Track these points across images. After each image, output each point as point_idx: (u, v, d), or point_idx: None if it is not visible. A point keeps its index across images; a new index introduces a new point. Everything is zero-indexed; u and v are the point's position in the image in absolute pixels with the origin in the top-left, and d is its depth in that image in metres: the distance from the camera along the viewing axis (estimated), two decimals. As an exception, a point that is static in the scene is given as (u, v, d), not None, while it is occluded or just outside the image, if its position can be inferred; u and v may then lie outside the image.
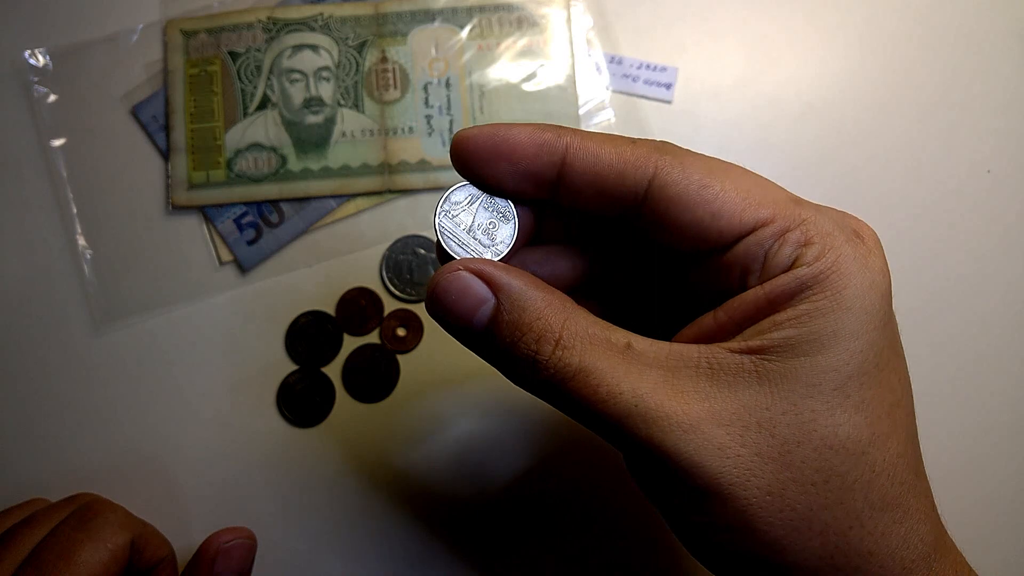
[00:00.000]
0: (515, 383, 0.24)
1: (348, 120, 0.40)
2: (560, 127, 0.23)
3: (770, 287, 0.21)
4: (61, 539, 0.31)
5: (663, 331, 0.24)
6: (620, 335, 0.22)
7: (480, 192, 0.24)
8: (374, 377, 0.39)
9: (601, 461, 0.39)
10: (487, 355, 0.23)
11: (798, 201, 0.23)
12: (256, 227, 0.40)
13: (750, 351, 0.21)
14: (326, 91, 0.40)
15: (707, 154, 0.23)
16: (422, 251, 0.40)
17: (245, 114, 0.40)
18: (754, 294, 0.22)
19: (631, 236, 0.25)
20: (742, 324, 0.22)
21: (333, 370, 0.39)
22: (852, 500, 0.21)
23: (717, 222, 0.22)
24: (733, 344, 0.21)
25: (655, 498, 0.23)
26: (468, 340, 0.23)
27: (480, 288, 0.22)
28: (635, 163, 0.22)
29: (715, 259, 0.23)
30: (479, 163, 0.23)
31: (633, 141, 0.23)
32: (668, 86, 0.41)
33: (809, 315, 0.21)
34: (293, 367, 0.39)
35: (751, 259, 0.22)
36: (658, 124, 0.41)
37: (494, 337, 0.23)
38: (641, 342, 0.22)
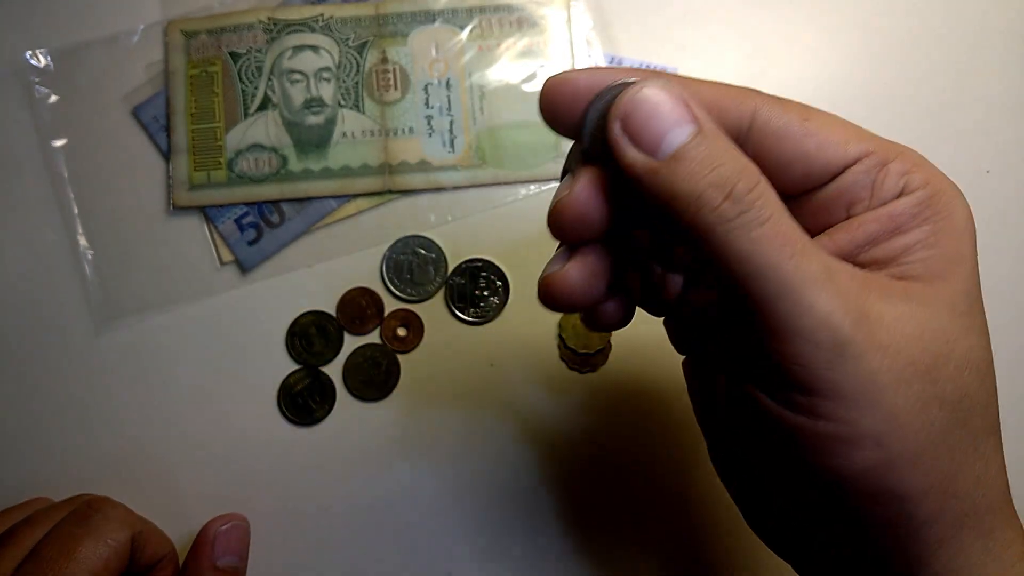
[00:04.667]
0: (670, 232, 0.23)
1: (349, 121, 0.40)
2: (650, 71, 0.23)
3: (892, 208, 0.21)
4: (62, 536, 0.31)
5: None
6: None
7: None
8: (374, 377, 0.39)
9: (608, 457, 0.39)
10: (651, 189, 0.20)
11: (882, 138, 0.23)
12: (257, 227, 0.40)
13: (891, 274, 0.21)
14: (327, 92, 0.40)
15: None
16: (422, 251, 0.40)
17: (246, 115, 0.40)
18: (875, 216, 0.22)
19: None
20: (863, 246, 0.22)
21: (333, 370, 0.39)
22: (974, 422, 0.21)
23: (824, 153, 0.22)
24: (869, 269, 0.21)
25: (763, 422, 0.21)
26: (633, 166, 0.20)
27: (683, 110, 0.20)
28: (737, 99, 0.22)
29: (815, 196, 0.23)
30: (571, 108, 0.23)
31: (722, 83, 0.23)
32: (668, 87, 0.41)
33: (936, 236, 0.21)
34: (294, 367, 0.39)
35: (859, 188, 0.22)
36: (658, 125, 0.41)
37: (676, 166, 0.20)
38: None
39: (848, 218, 0.22)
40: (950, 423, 0.20)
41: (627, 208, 0.22)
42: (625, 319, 0.26)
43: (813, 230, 0.22)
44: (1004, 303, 0.40)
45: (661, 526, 0.38)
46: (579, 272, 0.23)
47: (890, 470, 0.19)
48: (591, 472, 0.38)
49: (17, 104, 0.41)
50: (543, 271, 0.24)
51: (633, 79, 0.21)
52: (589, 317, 0.26)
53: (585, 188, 0.22)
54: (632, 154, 0.20)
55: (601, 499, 0.38)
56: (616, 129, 0.20)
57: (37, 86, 0.41)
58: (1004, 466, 0.21)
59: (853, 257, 0.22)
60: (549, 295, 0.24)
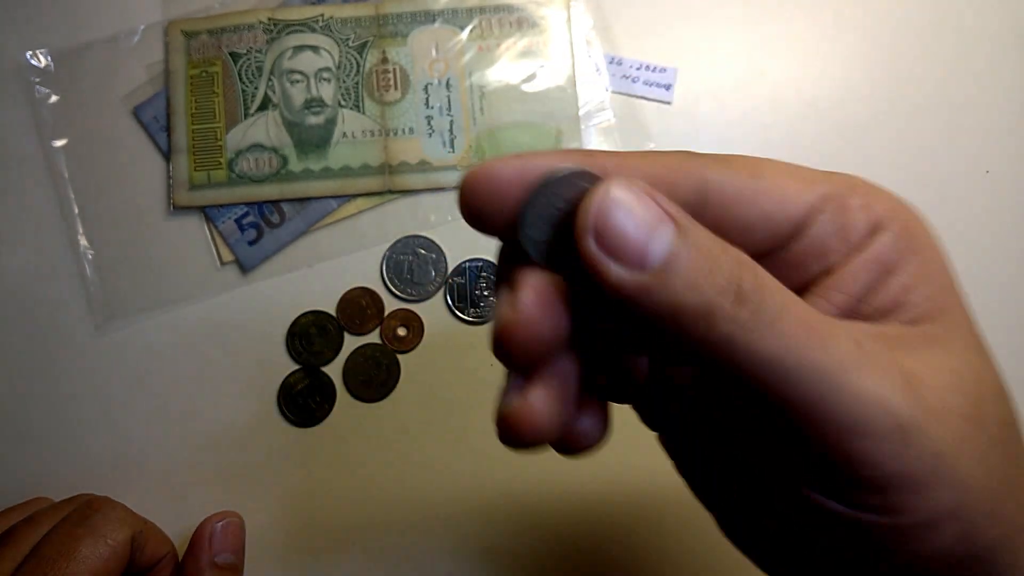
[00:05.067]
0: (661, 348, 0.21)
1: (349, 121, 0.40)
2: (591, 152, 0.20)
3: (876, 251, 0.20)
4: (62, 535, 0.31)
5: None
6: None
7: None
8: (374, 377, 0.39)
9: (609, 457, 0.39)
10: (646, 308, 0.17)
11: (828, 172, 0.21)
12: (257, 227, 0.40)
13: (902, 321, 0.19)
14: (327, 92, 0.40)
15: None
16: (422, 251, 0.40)
17: (246, 115, 0.40)
18: (862, 263, 0.20)
19: None
20: (862, 298, 0.20)
21: (333, 370, 0.39)
22: (1018, 448, 0.19)
23: (784, 209, 0.20)
24: (880, 322, 0.20)
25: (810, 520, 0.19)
26: (621, 287, 0.17)
27: (655, 208, 0.17)
28: (682, 170, 0.20)
29: (785, 253, 0.21)
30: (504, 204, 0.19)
31: (660, 153, 0.20)
32: (668, 87, 0.41)
33: (925, 267, 0.20)
34: (293, 367, 0.39)
35: (828, 236, 0.20)
36: (658, 125, 0.41)
37: (670, 276, 0.17)
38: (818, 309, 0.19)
39: (828, 269, 0.20)
40: (1004, 462, 0.19)
41: (590, 309, 0.19)
42: (605, 432, 0.22)
43: (797, 291, 0.20)
44: (1003, 304, 0.40)
45: (664, 526, 0.38)
46: (544, 399, 0.19)
47: (971, 537, 0.18)
48: (591, 472, 0.38)
49: (18, 104, 0.41)
50: (498, 406, 0.19)
51: (574, 167, 0.18)
52: (564, 446, 0.22)
53: (536, 301, 0.18)
54: (617, 274, 0.17)
55: (602, 497, 0.38)
56: (591, 246, 0.17)
57: (38, 86, 0.41)
58: None
59: (858, 313, 0.20)
60: (515, 436, 0.19)
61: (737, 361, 0.17)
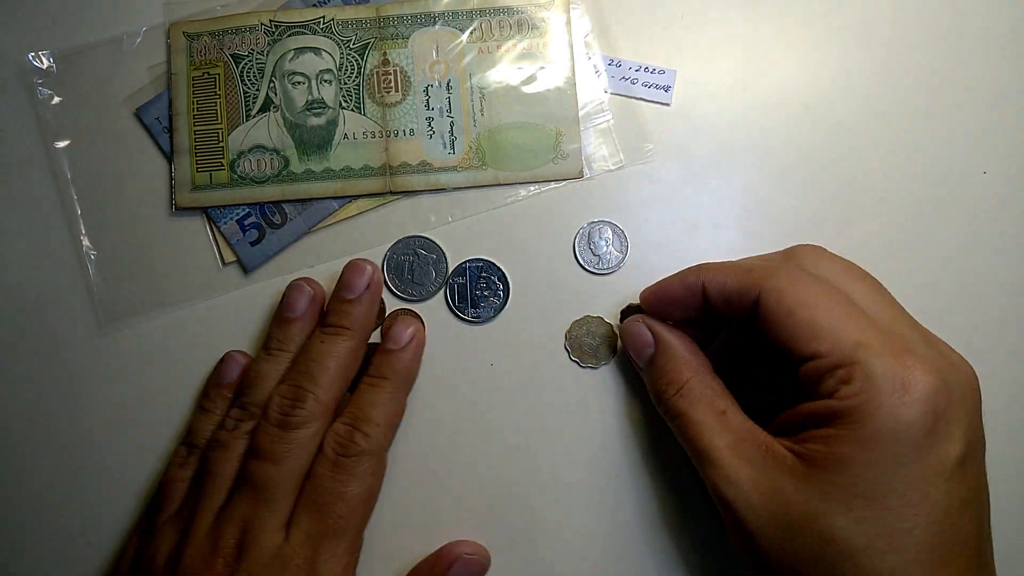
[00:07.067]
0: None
1: (350, 122, 0.40)
2: (700, 267, 0.33)
3: (813, 408, 0.28)
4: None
5: (773, 407, 0.31)
6: (724, 403, 0.31)
7: None
8: (376, 377, 0.39)
9: (610, 456, 0.39)
10: (644, 378, 0.36)
11: (890, 332, 0.28)
12: (259, 228, 0.40)
13: (794, 452, 0.28)
14: (328, 93, 0.41)
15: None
16: (423, 252, 0.40)
17: (248, 116, 0.40)
18: (809, 408, 0.28)
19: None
20: (798, 427, 0.28)
21: (335, 370, 0.40)
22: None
23: (791, 344, 0.28)
24: (786, 441, 0.28)
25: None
26: (636, 365, 0.36)
27: (648, 337, 0.34)
28: (749, 286, 0.30)
29: (797, 368, 0.29)
30: (654, 311, 0.35)
31: (750, 268, 0.31)
32: (666, 88, 0.41)
33: (833, 439, 0.26)
34: (295, 367, 0.40)
35: (811, 378, 0.28)
36: (656, 126, 0.41)
37: (647, 371, 0.35)
38: (735, 414, 0.31)
39: (808, 395, 0.29)
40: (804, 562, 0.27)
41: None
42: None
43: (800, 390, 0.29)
44: (1002, 304, 0.40)
45: (668, 525, 0.38)
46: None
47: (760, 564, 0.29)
48: (591, 472, 0.39)
49: (20, 106, 0.41)
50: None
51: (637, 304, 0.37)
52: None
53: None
54: (635, 361, 0.36)
55: (603, 498, 0.38)
56: (623, 346, 0.37)
57: (40, 88, 0.41)
58: None
59: (797, 433, 0.29)
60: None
61: (672, 425, 0.33)
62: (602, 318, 0.39)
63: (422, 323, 0.39)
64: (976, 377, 0.29)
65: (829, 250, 0.33)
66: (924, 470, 0.26)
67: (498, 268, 0.40)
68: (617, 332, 0.37)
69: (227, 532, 0.32)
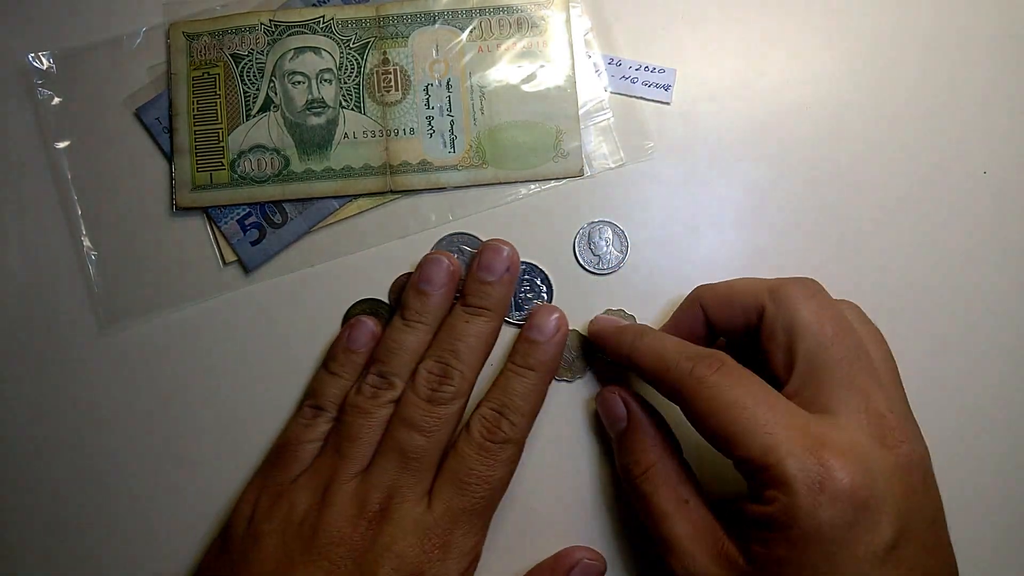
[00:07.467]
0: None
1: (350, 121, 0.40)
2: (642, 333, 0.34)
3: (752, 510, 0.28)
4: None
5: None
6: (686, 491, 0.32)
7: None
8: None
9: (609, 456, 0.39)
10: (613, 448, 0.36)
11: (807, 428, 0.28)
12: (260, 228, 0.40)
13: (744, 553, 0.29)
14: (328, 93, 0.41)
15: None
16: (467, 248, 0.40)
17: (248, 116, 0.40)
18: (750, 510, 0.28)
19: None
20: (748, 525, 0.29)
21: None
22: None
23: (717, 446, 0.29)
24: (737, 542, 0.29)
25: None
26: (608, 434, 0.37)
27: (621, 411, 0.35)
28: (680, 379, 0.31)
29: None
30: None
31: (684, 365, 0.31)
32: (666, 87, 0.41)
33: (771, 541, 0.27)
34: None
35: (745, 477, 0.29)
36: (656, 125, 0.41)
37: (616, 445, 0.35)
38: (697, 505, 0.32)
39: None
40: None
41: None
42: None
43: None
44: (1001, 305, 0.40)
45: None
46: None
47: None
48: (591, 472, 0.39)
49: (20, 106, 0.41)
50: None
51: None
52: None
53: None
54: (607, 429, 0.37)
55: (601, 500, 0.38)
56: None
57: (40, 88, 0.41)
58: None
59: (744, 528, 0.29)
60: None
61: (635, 501, 0.35)
62: (577, 331, 0.39)
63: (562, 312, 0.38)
64: (921, 456, 0.29)
65: (821, 287, 0.32)
66: (855, 562, 0.26)
67: (499, 267, 0.40)
68: (599, 401, 0.36)
69: (372, 496, 0.34)
